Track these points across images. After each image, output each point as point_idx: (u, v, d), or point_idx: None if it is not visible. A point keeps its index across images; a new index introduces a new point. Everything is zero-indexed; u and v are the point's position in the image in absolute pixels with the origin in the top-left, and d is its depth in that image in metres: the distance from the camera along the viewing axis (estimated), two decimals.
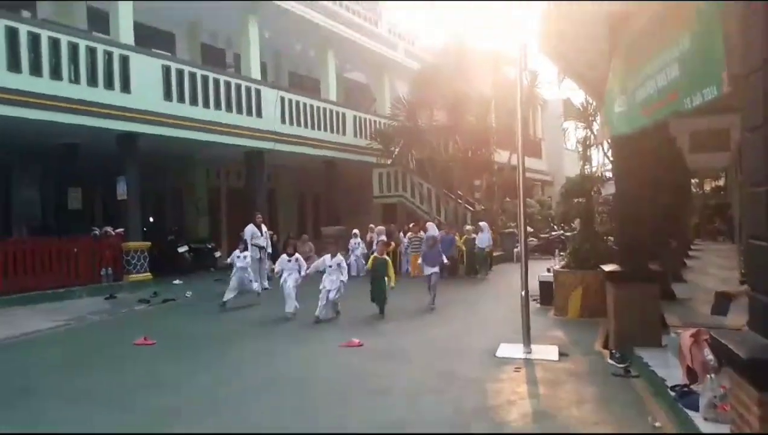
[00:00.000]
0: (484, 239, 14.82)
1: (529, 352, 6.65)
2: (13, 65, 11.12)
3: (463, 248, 15.09)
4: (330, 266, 9.58)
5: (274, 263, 15.09)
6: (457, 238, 15.31)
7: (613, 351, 6.39)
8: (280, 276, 10.14)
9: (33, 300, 11.35)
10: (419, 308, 10.10)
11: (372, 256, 10.18)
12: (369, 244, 15.61)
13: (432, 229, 16.08)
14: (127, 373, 6.55)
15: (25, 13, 13.34)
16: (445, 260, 10.99)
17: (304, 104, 18.85)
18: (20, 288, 11.43)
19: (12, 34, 11.13)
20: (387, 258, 10.08)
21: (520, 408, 4.98)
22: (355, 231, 16.21)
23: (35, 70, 11.50)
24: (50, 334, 8.88)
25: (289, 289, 9.76)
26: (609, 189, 13.57)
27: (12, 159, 14.72)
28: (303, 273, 10.10)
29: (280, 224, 20.38)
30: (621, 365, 6.03)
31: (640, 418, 4.65)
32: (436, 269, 10.30)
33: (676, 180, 11.64)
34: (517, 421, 4.66)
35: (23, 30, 11.35)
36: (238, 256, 11.14)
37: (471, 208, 20.26)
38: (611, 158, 13.06)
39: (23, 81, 11.23)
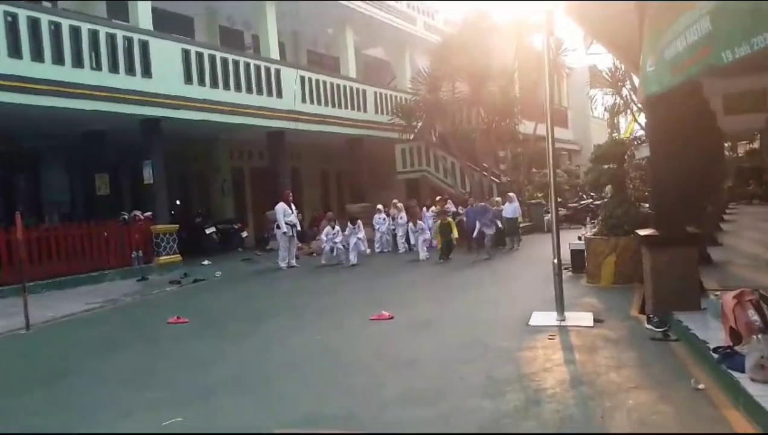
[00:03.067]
0: (511, 210, 14.62)
1: (563, 320, 6.53)
2: (36, 55, 11.22)
3: None
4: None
5: (300, 242, 15.28)
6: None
7: (651, 316, 6.23)
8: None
9: (68, 284, 11.63)
10: (448, 281, 10.04)
11: (439, 223, 13.49)
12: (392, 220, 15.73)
13: (451, 205, 16.01)
14: (161, 351, 6.66)
15: (46, 4, 13.44)
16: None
17: (324, 82, 18.71)
18: (55, 272, 11.71)
19: (34, 25, 11.21)
20: (450, 220, 13.41)
21: (557, 375, 4.90)
22: (379, 206, 16.15)
23: (57, 59, 11.58)
24: (86, 316, 9.09)
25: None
26: (642, 153, 13.21)
27: (41, 147, 14.99)
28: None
29: (304, 202, 20.43)
30: (659, 329, 5.88)
31: (681, 381, 4.53)
32: (493, 230, 12.93)
33: (709, 143, 11.26)
34: (554, 388, 4.57)
35: (45, 19, 11.42)
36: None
37: (497, 180, 19.99)
38: (644, 122, 12.68)
39: (47, 70, 11.33)
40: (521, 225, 16.05)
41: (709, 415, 3.92)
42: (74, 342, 7.46)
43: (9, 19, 10.82)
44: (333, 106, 18.94)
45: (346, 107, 19.55)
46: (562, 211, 18.10)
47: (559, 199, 17.86)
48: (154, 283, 11.87)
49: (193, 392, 5.07)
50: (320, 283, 11.32)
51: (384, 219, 15.81)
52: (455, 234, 13.05)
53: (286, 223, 13.28)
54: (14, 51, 10.86)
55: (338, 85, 19.35)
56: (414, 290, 9.51)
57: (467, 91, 19.14)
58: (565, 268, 9.01)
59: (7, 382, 5.80)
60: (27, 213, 12.51)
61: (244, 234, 17.67)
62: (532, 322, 6.66)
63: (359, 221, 14.22)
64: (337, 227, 13.76)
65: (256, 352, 6.33)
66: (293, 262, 13.47)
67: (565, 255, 8.69)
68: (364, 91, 20.53)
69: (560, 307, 6.65)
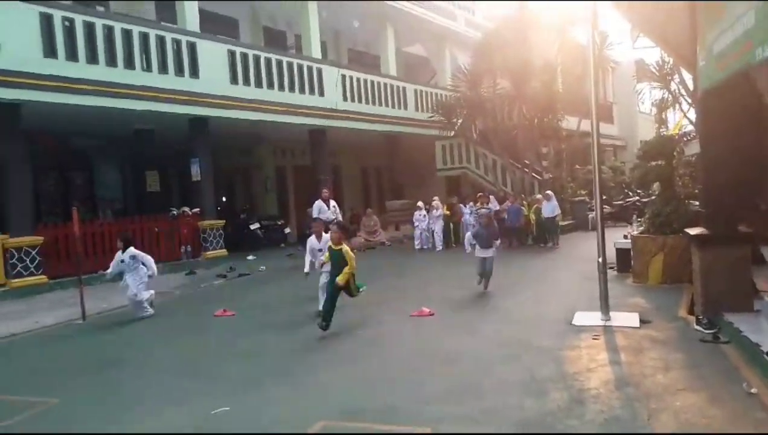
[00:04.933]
0: (549, 208, 14.46)
1: (608, 320, 6.43)
2: (91, 58, 11.70)
3: (533, 217, 14.83)
4: (320, 250, 7.76)
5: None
6: (524, 207, 15.10)
7: (700, 317, 6.07)
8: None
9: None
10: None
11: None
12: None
13: (494, 202, 15.84)
14: (209, 343, 6.89)
15: (99, 8, 14.00)
16: (496, 242, 8.98)
17: (364, 80, 18.83)
18: (109, 265, 12.19)
19: (89, 29, 11.71)
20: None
21: (601, 375, 4.84)
22: (420, 203, 16.17)
23: (111, 60, 12.05)
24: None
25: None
26: (692, 149, 12.78)
27: (95, 146, 15.64)
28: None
29: (344, 199, 20.66)
30: (709, 331, 5.72)
31: (732, 384, 4.41)
32: (491, 253, 8.64)
33: (763, 138, 10.80)
34: (598, 389, 4.53)
35: (99, 24, 11.91)
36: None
37: (538, 177, 19.70)
38: (694, 118, 12.27)
39: (101, 72, 11.81)
40: (561, 223, 15.82)
41: (762, 419, 3.81)
42: (126, 332, 7.80)
43: (66, 24, 11.34)
44: (373, 103, 19.05)
45: (386, 104, 19.63)
46: (607, 209, 17.70)
47: (604, 197, 17.48)
48: (202, 277, 12.26)
49: (240, 382, 5.25)
50: (360, 277, 11.41)
51: (424, 216, 15.83)
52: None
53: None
54: (71, 54, 11.37)
55: (378, 83, 19.45)
56: (455, 287, 9.54)
57: (508, 86, 18.93)
58: (610, 268, 8.83)
59: (64, 368, 6.14)
60: (82, 209, 13.09)
61: (287, 230, 18.02)
62: (575, 322, 6.58)
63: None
64: (423, 212, 15.27)
65: (300, 344, 6.48)
66: None
67: (610, 254, 8.53)
68: (404, 89, 20.56)
69: (605, 307, 6.54)
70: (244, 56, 14.98)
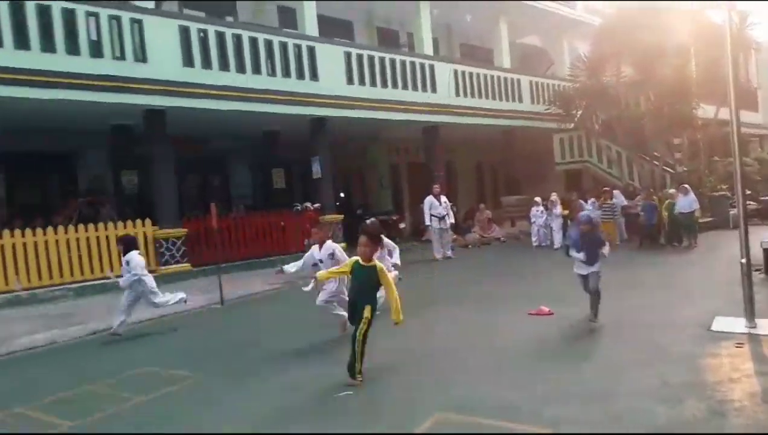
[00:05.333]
0: (685, 203, 13.26)
1: (753, 327, 5.85)
2: (223, 65, 12.75)
3: (665, 214, 13.68)
4: (321, 261, 6.80)
5: (456, 234, 15.48)
6: (656, 202, 14.04)
7: None
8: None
9: (252, 266, 13.14)
10: (613, 277, 9.49)
11: None
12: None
13: (619, 197, 14.93)
14: (333, 331, 7.24)
15: (229, 18, 15.19)
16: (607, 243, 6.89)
17: (477, 75, 18.63)
18: (243, 256, 13.31)
19: (220, 38, 12.76)
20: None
21: (745, 386, 4.44)
22: (537, 199, 15.71)
23: (240, 67, 13.05)
24: (268, 295, 10.24)
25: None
26: None
27: (229, 148, 17.03)
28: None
29: (458, 195, 20.60)
30: None
31: None
32: (596, 268, 6.67)
33: None
34: (742, 401, 4.16)
35: (228, 33, 12.94)
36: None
37: (670, 170, 18.27)
38: None
39: (231, 78, 12.83)
40: (701, 220, 14.52)
41: None
42: (259, 317, 8.46)
43: (201, 35, 12.46)
44: (487, 97, 18.78)
45: (501, 98, 19.26)
46: (752, 205, 16.00)
47: (748, 192, 15.82)
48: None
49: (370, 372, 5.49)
50: (476, 273, 11.40)
51: (542, 212, 15.35)
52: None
53: (433, 216, 13.58)
54: (206, 63, 12.46)
55: (492, 77, 19.13)
56: (575, 286, 9.19)
57: (633, 73, 17.72)
58: (756, 270, 8.01)
59: (206, 347, 6.80)
60: (219, 205, 14.31)
61: (402, 225, 18.37)
62: (714, 328, 6.07)
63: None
64: (541, 208, 14.87)
65: (416, 336, 6.61)
66: (449, 253, 13.70)
67: (756, 255, 7.73)
68: (519, 81, 20.03)
69: (750, 313, 5.96)
70: (359, 57, 15.48)
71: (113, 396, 5.22)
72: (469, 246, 16.00)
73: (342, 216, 15.66)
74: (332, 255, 6.70)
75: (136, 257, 7.74)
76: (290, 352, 6.37)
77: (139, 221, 12.04)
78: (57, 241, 11.06)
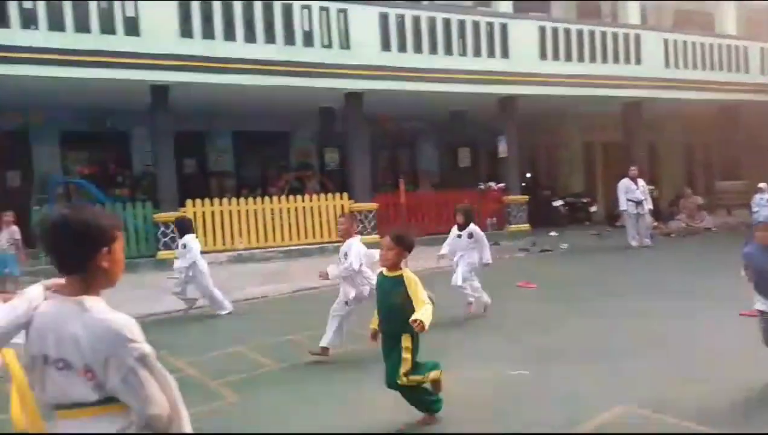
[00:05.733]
0: None
1: None
2: (416, 47, 13.22)
3: None
4: (345, 255, 5.58)
5: (656, 220, 14.15)
6: None
7: None
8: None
9: (435, 242, 13.49)
10: None
11: None
12: None
13: None
14: (509, 310, 7.26)
15: (424, 2, 15.61)
16: None
17: (692, 44, 16.55)
18: (426, 231, 13.86)
19: (416, 21, 13.22)
20: None
21: None
22: (762, 185, 13.55)
23: (432, 48, 13.42)
24: (449, 271, 10.52)
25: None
26: None
27: (418, 127, 17.71)
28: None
29: (662, 179, 18.67)
30: None
31: None
32: None
33: None
34: None
35: (423, 15, 13.34)
36: None
37: None
38: None
39: (424, 60, 13.27)
40: None
41: None
42: (436, 291, 8.76)
43: (398, 19, 13.05)
44: (703, 69, 16.60)
45: (721, 69, 16.85)
46: None
47: None
48: (505, 249, 12.83)
49: (536, 351, 5.42)
50: (675, 265, 10.34)
51: (767, 201, 13.22)
52: None
53: (629, 200, 12.50)
54: (401, 46, 13.05)
55: (710, 45, 16.80)
56: None
57: None
58: None
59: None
60: (407, 182, 15.07)
61: (593, 208, 17.35)
62: None
63: None
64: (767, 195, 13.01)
65: (599, 325, 6.31)
66: (647, 241, 12.59)
67: None
68: (745, 49, 17.28)
69: None
70: (554, 31, 14.81)
71: (310, 347, 5.93)
72: (672, 235, 14.48)
73: (526, 197, 15.33)
74: (347, 255, 5.44)
75: (192, 241, 7.37)
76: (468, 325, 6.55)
77: (338, 195, 13.27)
78: (272, 209, 12.74)
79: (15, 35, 9.84)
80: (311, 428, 3.97)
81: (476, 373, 4.87)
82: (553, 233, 14.65)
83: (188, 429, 1.83)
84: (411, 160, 18.57)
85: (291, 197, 13.10)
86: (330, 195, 13.28)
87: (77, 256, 1.74)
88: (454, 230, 7.08)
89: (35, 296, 1.78)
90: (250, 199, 12.72)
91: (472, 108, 15.51)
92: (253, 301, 8.57)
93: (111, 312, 1.71)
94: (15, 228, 9.44)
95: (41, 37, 10.00)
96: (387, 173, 17.60)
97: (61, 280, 1.82)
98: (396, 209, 12.77)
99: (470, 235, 6.79)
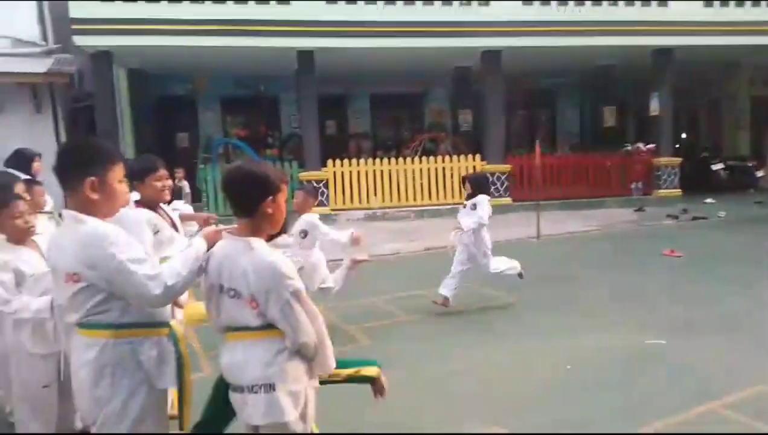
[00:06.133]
0: None
1: None
2: None
3: None
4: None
5: None
6: None
7: None
8: None
9: (571, 206, 13.11)
10: None
11: None
12: None
13: None
14: (651, 278, 6.88)
15: None
16: None
17: None
18: (562, 195, 13.38)
19: None
20: None
21: None
22: None
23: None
24: (584, 236, 10.17)
25: None
26: None
27: (557, 84, 16.87)
28: None
29: None
30: None
31: None
32: None
33: None
34: None
35: None
36: None
37: None
38: None
39: (566, 12, 12.52)
40: None
41: None
42: (573, 255, 8.56)
43: None
44: None
45: None
46: None
47: None
48: (651, 215, 11.98)
49: (676, 322, 5.16)
50: None
51: None
52: None
53: None
54: None
55: None
56: None
57: None
58: None
59: (523, 280, 7.27)
60: (544, 143, 14.52)
61: (760, 173, 15.37)
62: None
63: None
64: None
65: (749, 300, 5.76)
66: None
67: None
68: None
69: None
70: None
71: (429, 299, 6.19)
72: None
73: (679, 160, 14.00)
74: (304, 233, 4.84)
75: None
76: (598, 290, 6.38)
77: (470, 156, 13.23)
78: (405, 170, 13.09)
79: (184, 8, 11.01)
80: (437, 373, 4.24)
81: (611, 341, 4.79)
82: (709, 200, 13.29)
83: (332, 360, 2.14)
84: (549, 118, 17.82)
85: (424, 158, 13.32)
86: (462, 156, 13.28)
87: (248, 202, 2.07)
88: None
89: (202, 244, 2.14)
90: (385, 160, 13.17)
91: (621, 62, 14.38)
92: (386, 257, 9.02)
93: (272, 253, 2.05)
94: (185, 183, 10.81)
95: (205, 9, 11.09)
96: (522, 134, 17.09)
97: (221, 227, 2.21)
98: (530, 172, 12.44)
99: (474, 207, 5.71)
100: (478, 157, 13.21)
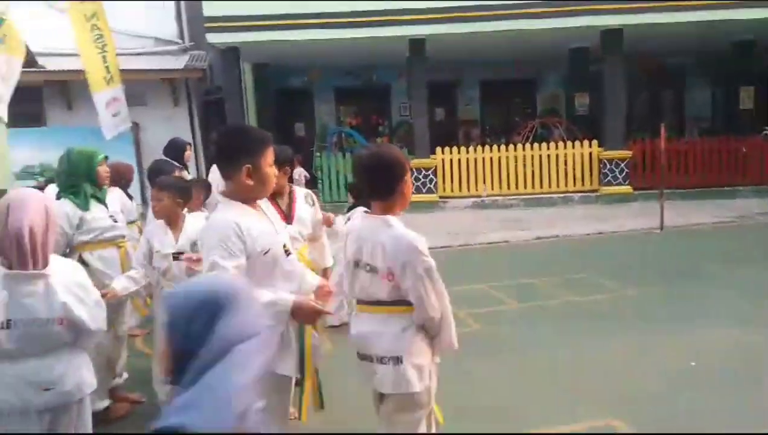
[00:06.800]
0: None
1: None
2: None
3: None
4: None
5: None
6: None
7: None
8: None
9: (699, 195, 12.11)
10: None
11: None
12: None
13: None
14: None
15: None
16: None
17: None
18: (689, 184, 12.41)
19: None
20: None
21: None
22: None
23: None
24: (714, 228, 9.41)
25: None
26: None
27: (685, 63, 15.57)
28: None
29: None
30: None
31: None
32: None
33: None
34: None
35: None
36: None
37: None
38: None
39: None
40: None
41: None
42: (700, 248, 7.97)
43: None
44: None
45: None
46: None
47: None
48: None
49: None
50: None
51: None
52: None
53: None
54: None
55: None
56: None
57: None
58: None
59: (642, 267, 6.94)
60: (670, 127, 13.50)
61: None
62: None
63: None
64: None
65: None
66: None
67: None
68: None
69: None
70: None
71: (547, 292, 6.11)
72: None
73: None
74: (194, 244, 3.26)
75: None
76: (724, 288, 5.93)
77: (586, 142, 12.66)
78: (516, 157, 12.81)
79: (303, 4, 11.55)
80: (546, 361, 4.24)
81: (739, 338, 4.51)
82: None
83: (454, 338, 2.27)
84: (676, 101, 16.52)
85: (535, 145, 12.95)
86: (577, 142, 12.75)
87: (386, 184, 2.23)
88: None
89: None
90: (495, 147, 12.98)
91: (760, 38, 12.95)
92: (495, 245, 8.98)
93: (408, 230, 2.21)
94: (302, 169, 11.44)
95: (322, 4, 11.55)
96: (645, 118, 16.01)
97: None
98: (654, 158, 11.66)
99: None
100: (594, 143, 12.62)
